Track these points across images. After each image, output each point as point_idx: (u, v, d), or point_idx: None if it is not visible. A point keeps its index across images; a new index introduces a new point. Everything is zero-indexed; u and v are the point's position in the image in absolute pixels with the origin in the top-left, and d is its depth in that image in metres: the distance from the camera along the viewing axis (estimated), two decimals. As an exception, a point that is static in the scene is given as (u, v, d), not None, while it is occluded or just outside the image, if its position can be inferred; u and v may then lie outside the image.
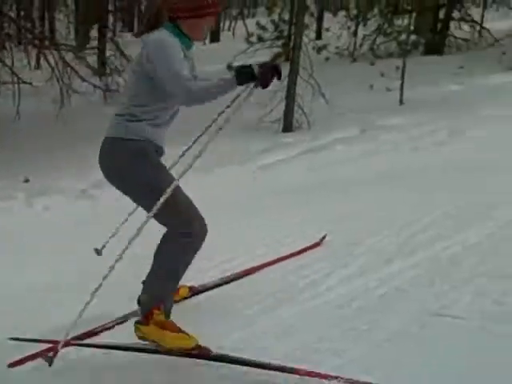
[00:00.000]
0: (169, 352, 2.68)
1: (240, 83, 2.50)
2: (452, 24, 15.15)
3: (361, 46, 15.62)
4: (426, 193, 5.02)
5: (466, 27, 15.49)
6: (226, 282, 3.59)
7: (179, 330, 2.66)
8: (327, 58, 14.83)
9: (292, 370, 2.46)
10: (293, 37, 10.27)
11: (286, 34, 13.33)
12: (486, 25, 15.85)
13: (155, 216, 2.64)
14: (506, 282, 3.12)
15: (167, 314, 2.74)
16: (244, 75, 2.49)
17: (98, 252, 3.14)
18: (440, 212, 4.41)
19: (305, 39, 10.11)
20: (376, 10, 15.79)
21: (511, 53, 12.51)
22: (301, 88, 9.80)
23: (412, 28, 13.37)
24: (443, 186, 5.21)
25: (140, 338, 2.73)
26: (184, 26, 2.69)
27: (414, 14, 14.13)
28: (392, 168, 6.64)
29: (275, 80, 2.56)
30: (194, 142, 3.14)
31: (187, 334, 2.65)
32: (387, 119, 9.20)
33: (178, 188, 2.67)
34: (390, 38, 14.25)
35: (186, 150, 3.19)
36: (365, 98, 10.88)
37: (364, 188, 5.76)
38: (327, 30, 17.69)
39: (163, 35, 2.62)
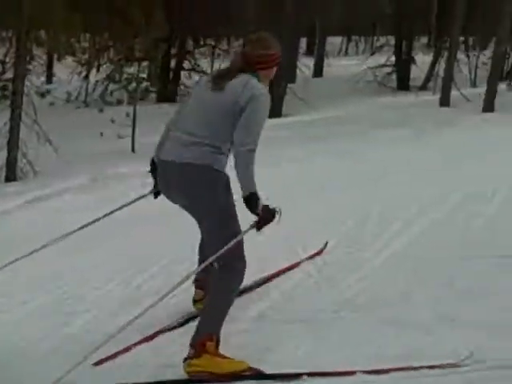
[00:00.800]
0: (222, 379, 2.79)
1: (250, 208, 2.86)
2: (182, 73, 15.64)
3: (94, 91, 15.31)
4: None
5: (196, 77, 16.11)
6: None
7: (226, 357, 2.85)
8: (52, 103, 14.42)
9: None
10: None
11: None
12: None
13: (214, 250, 2.83)
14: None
15: (218, 344, 2.87)
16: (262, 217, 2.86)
17: None
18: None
19: (28, 83, 9.48)
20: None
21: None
22: (25, 134, 9.13)
23: (144, 76, 13.44)
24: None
25: (192, 372, 2.81)
26: (261, 74, 3.06)
27: (145, 63, 14.25)
28: (130, 216, 6.37)
29: None
30: None
31: (234, 359, 2.85)
32: (119, 167, 8.95)
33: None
34: (120, 85, 14.19)
35: None
36: (95, 145, 10.56)
37: (95, 240, 5.38)
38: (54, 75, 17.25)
39: (267, 92, 2.98)
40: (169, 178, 3.05)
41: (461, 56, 16.72)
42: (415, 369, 2.70)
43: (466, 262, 3.89)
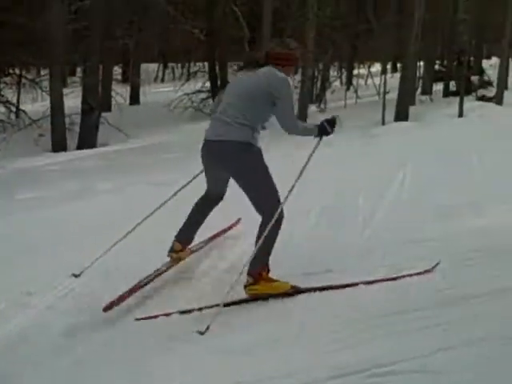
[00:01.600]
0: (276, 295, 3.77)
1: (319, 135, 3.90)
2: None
3: None
4: None
5: (2, 109, 14.96)
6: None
7: (276, 280, 3.81)
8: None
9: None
10: None
11: None
12: (23, 107, 15.60)
13: (256, 204, 3.81)
14: None
15: (268, 272, 3.83)
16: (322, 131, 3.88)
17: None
18: None
19: None
20: None
21: (49, 135, 12.42)
22: None
23: None
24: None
25: (252, 295, 3.75)
26: (283, 70, 3.79)
27: None
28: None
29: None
30: None
31: (281, 281, 3.83)
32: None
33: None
34: None
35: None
36: None
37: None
38: None
39: (284, 75, 3.74)
40: (210, 154, 3.90)
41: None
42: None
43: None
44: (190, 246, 4.43)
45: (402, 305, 3.55)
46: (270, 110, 3.77)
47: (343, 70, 23.09)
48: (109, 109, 16.34)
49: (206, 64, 18.74)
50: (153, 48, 24.20)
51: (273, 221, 3.69)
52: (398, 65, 21.20)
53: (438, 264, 4.05)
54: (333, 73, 21.86)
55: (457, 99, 14.64)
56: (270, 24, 13.72)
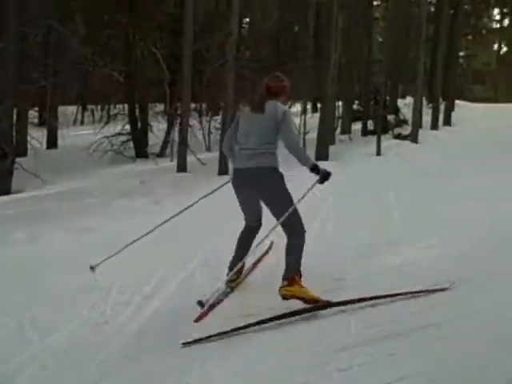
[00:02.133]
0: (306, 301, 4.26)
1: (315, 172, 4.54)
2: None
3: None
4: None
5: None
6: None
7: (305, 287, 4.37)
8: None
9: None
10: None
11: None
12: None
13: (285, 223, 4.44)
14: None
15: (300, 276, 4.43)
16: (322, 175, 4.57)
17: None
18: None
19: None
20: None
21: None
22: None
23: None
24: None
25: (286, 295, 4.32)
26: (279, 99, 4.61)
27: None
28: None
29: None
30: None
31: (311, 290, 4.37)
32: None
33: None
34: None
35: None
36: None
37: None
38: None
39: (285, 107, 4.60)
40: (242, 180, 4.58)
41: (194, 122, 17.31)
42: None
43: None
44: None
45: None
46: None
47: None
48: (24, 153, 15.83)
49: (126, 106, 18.46)
50: (71, 90, 23.75)
51: (300, 235, 4.48)
52: (319, 105, 21.67)
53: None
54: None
55: (375, 138, 15.08)
56: (190, 66, 13.75)
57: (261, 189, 4.54)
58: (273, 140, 4.50)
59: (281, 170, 4.56)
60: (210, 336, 3.92)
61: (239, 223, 4.93)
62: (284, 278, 4.36)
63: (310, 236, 4.61)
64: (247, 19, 22.36)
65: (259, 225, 4.89)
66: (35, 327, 4.41)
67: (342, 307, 4.18)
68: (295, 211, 4.44)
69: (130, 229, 7.17)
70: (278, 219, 4.43)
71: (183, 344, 3.86)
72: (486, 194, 8.09)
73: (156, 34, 17.72)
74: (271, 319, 4.09)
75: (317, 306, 4.23)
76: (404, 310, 3.95)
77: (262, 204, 4.70)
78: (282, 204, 4.44)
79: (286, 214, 4.34)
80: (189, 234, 7.03)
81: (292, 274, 4.36)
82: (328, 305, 4.22)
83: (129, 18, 16.88)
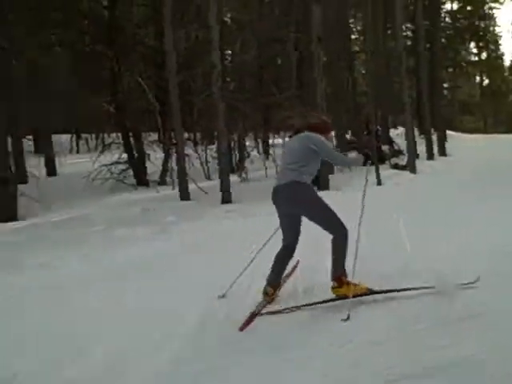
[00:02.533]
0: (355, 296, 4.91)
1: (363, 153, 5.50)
2: None
3: None
4: None
5: None
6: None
7: (355, 284, 4.94)
8: None
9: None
10: None
11: None
12: None
13: (326, 227, 5.05)
14: None
15: (346, 275, 5.00)
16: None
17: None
18: None
19: None
20: None
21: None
22: None
23: None
24: None
25: (338, 295, 4.96)
26: (323, 135, 5.23)
27: None
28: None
29: None
30: None
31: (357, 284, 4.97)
32: None
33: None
34: None
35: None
36: None
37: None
38: None
39: (318, 134, 5.18)
40: (279, 196, 5.14)
41: (190, 151, 17.39)
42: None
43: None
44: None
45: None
46: (314, 158, 5.09)
47: (259, 140, 23.58)
48: (25, 181, 15.87)
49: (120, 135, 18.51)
50: (62, 120, 23.59)
51: (343, 237, 4.96)
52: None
53: None
54: (249, 143, 22.20)
55: (372, 168, 15.19)
56: (178, 96, 13.86)
57: (297, 202, 5.08)
58: (305, 161, 5.07)
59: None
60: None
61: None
62: (333, 278, 4.99)
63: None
64: (229, 51, 22.58)
65: (293, 250, 5.34)
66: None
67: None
68: (333, 214, 5.01)
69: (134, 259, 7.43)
70: (321, 226, 5.03)
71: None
72: (488, 221, 8.13)
73: (140, 66, 17.88)
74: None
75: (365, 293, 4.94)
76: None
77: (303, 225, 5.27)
78: (317, 210, 5.04)
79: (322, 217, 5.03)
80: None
81: (339, 274, 4.96)
82: (372, 291, 4.95)
83: (111, 49, 16.94)
